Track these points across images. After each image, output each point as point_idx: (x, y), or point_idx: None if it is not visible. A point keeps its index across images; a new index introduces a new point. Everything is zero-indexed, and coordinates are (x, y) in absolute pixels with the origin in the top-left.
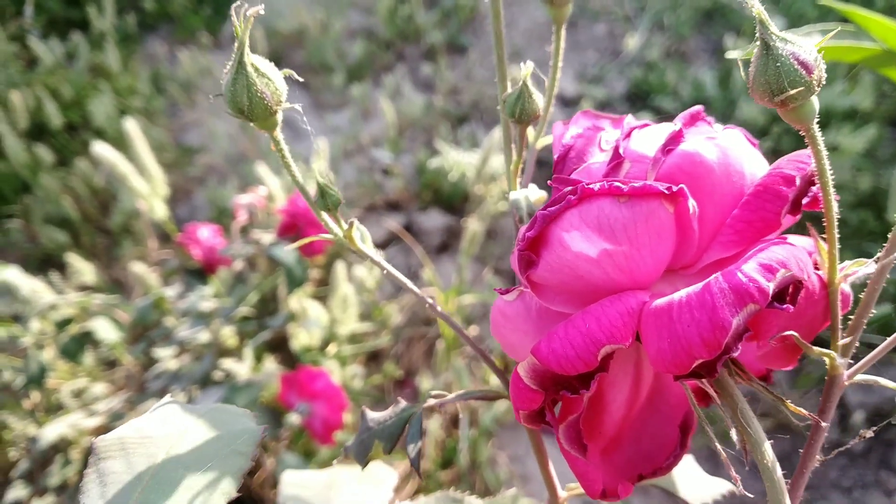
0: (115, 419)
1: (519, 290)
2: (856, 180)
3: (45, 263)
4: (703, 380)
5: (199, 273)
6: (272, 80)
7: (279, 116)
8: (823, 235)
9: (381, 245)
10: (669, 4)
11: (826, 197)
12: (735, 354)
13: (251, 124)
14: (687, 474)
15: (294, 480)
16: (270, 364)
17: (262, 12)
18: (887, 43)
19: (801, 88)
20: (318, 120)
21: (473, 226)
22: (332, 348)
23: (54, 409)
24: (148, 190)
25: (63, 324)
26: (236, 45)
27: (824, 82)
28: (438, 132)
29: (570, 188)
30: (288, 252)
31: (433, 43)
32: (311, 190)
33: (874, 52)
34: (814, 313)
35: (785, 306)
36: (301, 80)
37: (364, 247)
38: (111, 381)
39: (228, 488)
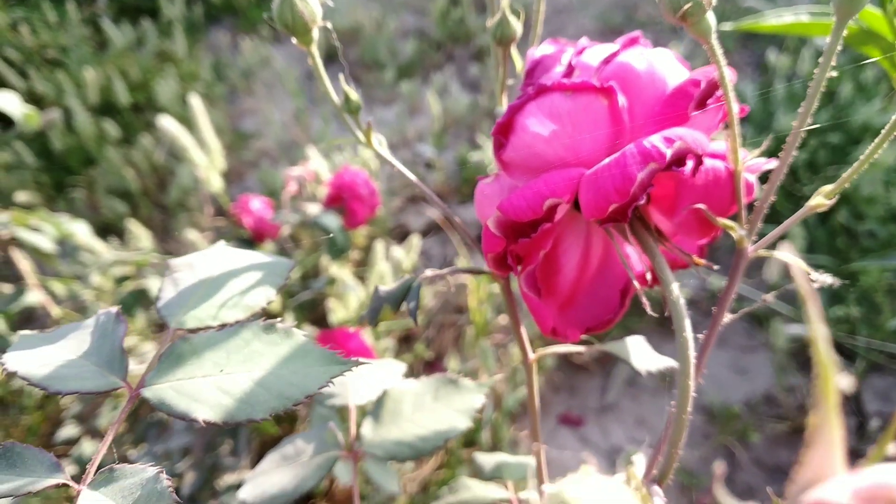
0: None
1: (495, 175)
2: (888, 194)
3: (104, 231)
4: (625, 229)
5: (249, 242)
6: (309, 3)
7: (315, 34)
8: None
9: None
10: (715, 18)
11: (727, 97)
12: (641, 203)
13: (294, 40)
14: (639, 349)
15: None
16: (309, 328)
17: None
18: (865, 21)
19: (692, 3)
20: (367, 113)
21: None
22: None
23: None
24: (206, 162)
25: (121, 280)
26: None
27: (714, 3)
28: (481, 129)
29: (532, 87)
30: (333, 220)
31: (482, 45)
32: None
33: (852, 31)
34: (721, 195)
35: (681, 169)
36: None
37: (380, 149)
38: (159, 343)
39: (268, 293)
